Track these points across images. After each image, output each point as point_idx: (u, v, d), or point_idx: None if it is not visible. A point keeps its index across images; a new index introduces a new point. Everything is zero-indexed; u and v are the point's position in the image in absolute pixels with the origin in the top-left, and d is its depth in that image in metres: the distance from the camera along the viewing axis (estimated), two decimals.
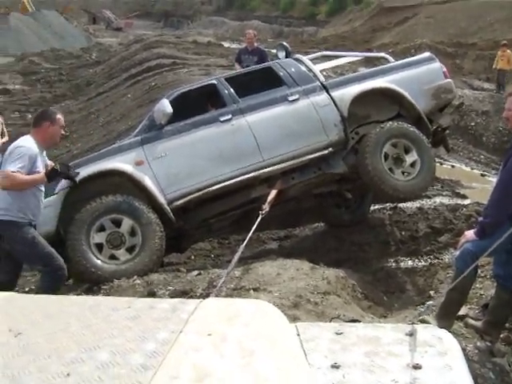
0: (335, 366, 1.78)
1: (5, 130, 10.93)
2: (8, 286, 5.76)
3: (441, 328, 4.33)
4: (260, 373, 1.54)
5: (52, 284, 5.78)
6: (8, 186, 5.47)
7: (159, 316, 2.01)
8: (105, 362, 1.66)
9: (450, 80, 8.50)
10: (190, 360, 1.63)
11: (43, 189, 5.83)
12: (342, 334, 2.00)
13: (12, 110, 21.71)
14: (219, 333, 1.79)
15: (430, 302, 2.91)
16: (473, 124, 16.29)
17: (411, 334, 1.95)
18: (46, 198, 6.41)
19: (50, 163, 6.06)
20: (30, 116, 20.90)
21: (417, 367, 1.74)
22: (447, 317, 4.87)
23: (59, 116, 5.88)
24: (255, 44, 11.69)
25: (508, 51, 19.14)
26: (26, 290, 6.73)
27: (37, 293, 5.68)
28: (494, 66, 19.95)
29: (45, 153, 5.90)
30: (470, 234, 4.74)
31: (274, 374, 1.56)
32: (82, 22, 62.30)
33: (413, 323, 2.03)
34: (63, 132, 6.08)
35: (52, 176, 5.78)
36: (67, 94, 24.49)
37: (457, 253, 4.86)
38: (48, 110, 6.57)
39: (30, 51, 36.10)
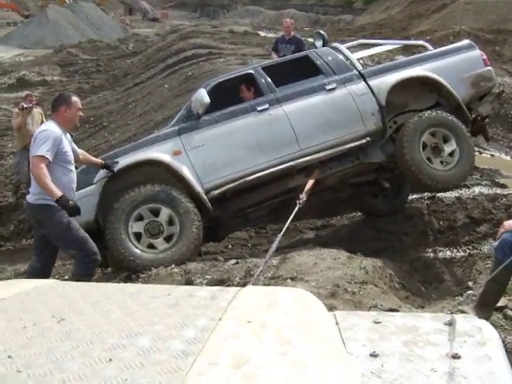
0: (374, 355, 1.78)
1: (44, 120, 11.08)
2: (42, 272, 5.87)
3: (480, 319, 4.32)
4: (298, 360, 1.55)
5: (86, 269, 5.87)
6: (38, 179, 5.59)
7: (198, 303, 2.04)
8: (146, 348, 1.69)
9: (489, 68, 8.37)
10: (229, 347, 1.65)
11: (73, 168, 5.91)
12: (380, 322, 2.00)
13: (50, 100, 21.96)
14: (258, 320, 1.81)
15: (470, 292, 2.89)
16: None
17: (450, 324, 1.94)
18: (84, 187, 6.51)
19: (81, 151, 6.26)
20: None
21: (455, 357, 1.73)
22: (486, 307, 4.83)
23: (75, 99, 5.99)
24: (292, 33, 11.62)
25: None
26: (66, 278, 6.83)
27: (72, 278, 5.78)
28: None
29: (69, 136, 5.99)
30: (509, 224, 4.69)
31: (311, 361, 1.57)
32: (118, 13, 62.81)
33: (452, 313, 2.02)
34: (81, 114, 6.15)
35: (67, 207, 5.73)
36: (104, 85, 24.72)
37: (496, 243, 4.81)
38: (64, 93, 6.70)
39: (67, 43, 36.51)
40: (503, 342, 4.56)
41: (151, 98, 19.71)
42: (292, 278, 5.68)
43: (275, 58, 10.69)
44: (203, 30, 31.70)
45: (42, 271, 5.88)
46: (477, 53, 8.35)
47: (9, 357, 1.68)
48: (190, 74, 19.73)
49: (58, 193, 5.52)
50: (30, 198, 5.74)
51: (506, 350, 4.40)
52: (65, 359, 1.65)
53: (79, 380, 1.53)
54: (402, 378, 1.66)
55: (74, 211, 5.73)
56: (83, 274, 5.72)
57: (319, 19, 57.36)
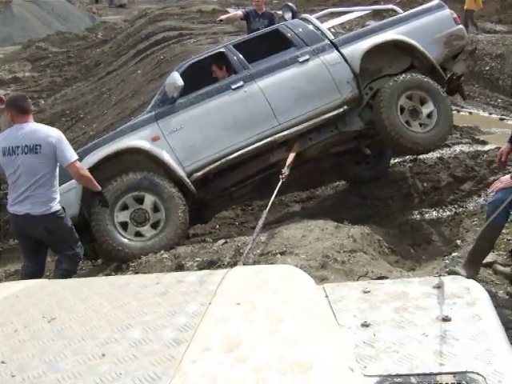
0: (365, 325, 1.79)
1: None
2: (41, 273, 5.87)
3: (469, 276, 4.35)
4: (290, 338, 1.56)
5: (75, 267, 5.90)
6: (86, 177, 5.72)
7: (187, 289, 2.03)
8: (138, 340, 1.69)
9: (461, 26, 8.39)
10: (221, 331, 1.65)
11: None
12: (369, 292, 2.01)
13: None
14: (248, 301, 1.81)
15: (455, 254, 2.92)
16: (487, 68, 16.05)
17: (439, 287, 1.95)
18: (68, 181, 6.48)
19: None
20: (42, 102, 20.98)
21: (446, 319, 1.75)
22: (475, 264, 4.87)
23: None
24: (264, 8, 11.53)
25: None
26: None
27: (59, 277, 5.74)
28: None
29: None
30: (506, 179, 4.70)
31: (303, 338, 1.57)
32: (84, 2, 61.95)
33: (440, 275, 2.04)
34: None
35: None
36: (77, 77, 24.49)
37: (489, 199, 4.81)
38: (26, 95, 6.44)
39: (35, 37, 36.03)
40: (494, 297, 4.63)
41: (125, 85, 19.57)
42: (281, 253, 5.70)
43: (232, 15, 10.77)
44: (171, 12, 31.41)
45: (40, 272, 5.87)
46: (447, 12, 8.34)
47: (2, 362, 1.67)
48: (161, 57, 19.59)
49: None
50: (36, 210, 5.51)
51: (498, 305, 4.46)
52: (58, 359, 1.65)
53: (74, 379, 1.52)
54: (394, 346, 1.67)
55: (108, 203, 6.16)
56: (72, 272, 5.73)
57: None
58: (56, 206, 5.56)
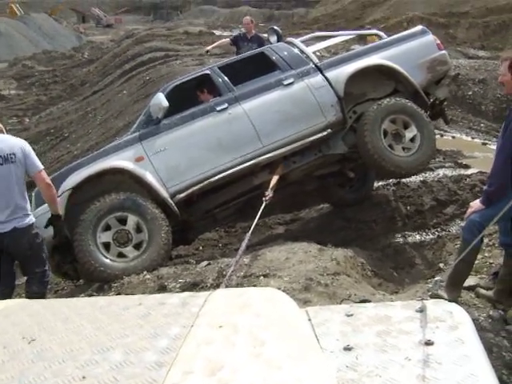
0: (348, 348, 1.78)
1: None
2: (11, 291, 5.70)
3: (451, 299, 4.37)
4: (272, 361, 1.55)
5: (45, 287, 5.74)
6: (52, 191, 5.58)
7: (170, 311, 2.02)
8: (119, 362, 1.67)
9: (444, 52, 8.47)
10: (203, 354, 1.64)
11: None
12: (352, 315, 2.00)
13: (9, 115, 21.74)
14: (230, 324, 1.80)
15: (438, 278, 2.95)
16: (470, 93, 16.22)
17: (421, 311, 1.96)
18: None
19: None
20: (27, 120, 20.93)
21: (429, 343, 1.75)
22: (456, 287, 4.90)
23: None
24: (253, 31, 11.59)
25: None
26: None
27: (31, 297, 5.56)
28: None
29: None
30: (476, 203, 4.75)
31: (286, 361, 1.57)
32: (71, 22, 62.21)
33: (422, 299, 2.04)
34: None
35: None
36: (62, 95, 24.49)
37: (464, 224, 4.87)
38: None
39: (21, 55, 36.07)
40: (477, 320, 4.64)
41: (110, 105, 19.59)
42: (265, 275, 5.69)
43: (224, 44, 10.79)
44: (158, 33, 31.60)
45: (11, 293, 5.70)
46: (430, 38, 8.44)
47: None
48: (147, 78, 19.64)
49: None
50: (22, 222, 5.37)
51: (481, 329, 4.47)
52: (38, 381, 1.63)
53: None
54: (377, 370, 1.66)
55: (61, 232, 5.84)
56: (42, 293, 5.60)
57: (273, 14, 57.53)
58: (33, 219, 5.50)
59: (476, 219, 4.63)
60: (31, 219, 5.47)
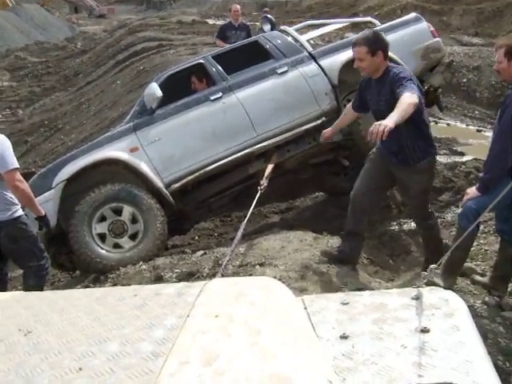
0: (344, 337, 1.79)
1: None
2: (3, 286, 5.67)
3: (447, 286, 4.38)
4: (268, 350, 1.55)
5: (42, 281, 5.62)
6: (22, 193, 5.26)
7: (166, 302, 2.02)
8: (115, 353, 1.67)
9: (438, 39, 8.45)
10: (199, 344, 1.64)
11: None
12: (348, 303, 2.01)
13: (3, 107, 21.67)
14: (226, 314, 1.80)
15: (433, 266, 2.94)
16: (465, 80, 16.22)
17: (417, 298, 1.96)
18: (43, 193, 6.42)
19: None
20: (21, 112, 20.85)
21: (424, 331, 1.75)
22: (452, 274, 4.91)
23: None
24: (240, 19, 11.55)
25: None
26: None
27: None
28: None
29: None
30: (472, 190, 4.76)
31: (282, 350, 1.57)
32: (63, 13, 61.86)
33: (418, 287, 2.04)
34: None
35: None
36: (56, 86, 24.39)
37: (460, 210, 4.88)
38: None
39: (14, 46, 35.86)
40: (473, 307, 4.65)
41: (104, 95, 19.52)
42: (260, 264, 5.69)
43: (222, 46, 10.63)
44: (151, 23, 31.48)
45: (3, 287, 5.65)
46: (424, 25, 8.42)
47: None
48: (141, 68, 19.57)
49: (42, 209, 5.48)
50: (0, 216, 5.25)
51: (476, 315, 4.48)
52: (34, 373, 1.63)
53: None
54: (373, 358, 1.67)
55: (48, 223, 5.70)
56: (39, 287, 5.52)
57: (266, 2, 57.19)
58: (18, 212, 5.36)
59: (472, 206, 4.64)
60: (14, 213, 5.31)
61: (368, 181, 5.78)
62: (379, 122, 4.63)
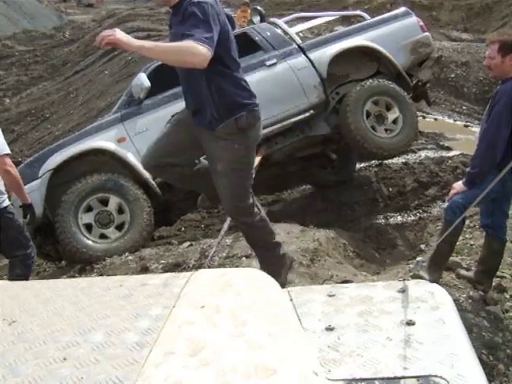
0: (329, 329, 1.79)
1: None
2: None
3: (433, 280, 4.40)
4: (254, 341, 1.55)
5: (28, 270, 5.61)
6: (12, 178, 5.25)
7: (151, 292, 2.01)
8: (100, 343, 1.66)
9: (427, 34, 8.48)
10: (185, 334, 1.63)
11: None
12: (334, 295, 2.01)
13: None
14: (212, 304, 1.79)
15: (420, 258, 2.96)
16: (453, 75, 16.27)
17: (403, 291, 1.96)
18: (30, 182, 6.38)
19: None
20: (8, 101, 20.71)
21: (410, 323, 1.76)
22: (437, 268, 4.93)
23: None
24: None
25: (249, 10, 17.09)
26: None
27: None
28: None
29: None
30: (458, 185, 4.77)
31: (268, 341, 1.57)
32: (52, 1, 61.31)
33: (404, 280, 2.05)
34: None
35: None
36: (44, 76, 24.20)
37: (446, 205, 4.90)
38: None
39: (1, 35, 35.52)
40: (457, 301, 4.68)
41: (92, 85, 19.43)
42: (247, 256, 5.70)
43: None
44: (140, 13, 31.29)
45: None
46: (413, 20, 8.44)
47: None
48: (129, 58, 19.48)
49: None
50: None
51: (461, 309, 4.51)
52: (18, 363, 1.62)
53: (34, 383, 1.50)
54: (358, 349, 1.67)
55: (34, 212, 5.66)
56: (25, 276, 5.52)
57: None
58: (5, 202, 5.33)
59: (458, 200, 4.66)
60: (2, 203, 5.27)
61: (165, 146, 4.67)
62: (113, 30, 3.67)
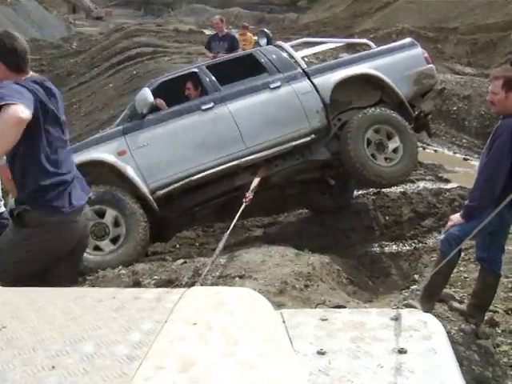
0: (321, 353, 1.78)
1: None
2: None
3: (425, 310, 4.39)
4: (245, 361, 1.54)
5: None
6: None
7: (144, 306, 2.00)
8: (90, 354, 1.65)
9: (431, 65, 8.53)
10: (176, 350, 1.62)
11: None
12: (327, 320, 2.00)
13: None
14: (204, 322, 1.79)
15: (414, 287, 2.95)
16: (455, 108, 16.35)
17: (396, 319, 1.96)
18: None
19: None
20: None
21: (402, 352, 1.75)
22: (430, 299, 4.93)
23: None
24: (225, 30, 11.62)
25: (249, 34, 16.87)
26: None
27: None
28: None
29: None
30: (456, 217, 4.78)
31: (259, 361, 1.56)
32: (61, 12, 61.71)
33: (397, 307, 2.04)
34: None
35: None
36: None
37: (442, 236, 4.90)
38: None
39: None
40: (449, 333, 4.66)
41: (96, 97, 19.48)
42: (240, 277, 5.68)
43: (209, 56, 10.74)
44: (148, 29, 31.49)
45: None
46: (419, 51, 8.49)
47: None
48: (134, 72, 19.57)
49: None
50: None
51: (452, 342, 4.49)
52: (6, 369, 1.61)
53: None
54: (349, 375, 1.66)
55: None
56: None
57: (264, 17, 57.43)
58: (1, 208, 5.34)
59: (455, 233, 4.66)
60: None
61: None
62: None
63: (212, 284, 5.57)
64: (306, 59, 8.95)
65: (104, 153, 6.90)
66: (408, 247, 7.96)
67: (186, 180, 7.03)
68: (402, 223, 8.50)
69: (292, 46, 8.59)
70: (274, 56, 7.96)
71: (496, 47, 23.34)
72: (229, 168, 7.21)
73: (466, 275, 5.93)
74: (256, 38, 11.39)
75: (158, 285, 5.75)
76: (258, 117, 7.40)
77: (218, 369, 1.50)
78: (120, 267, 6.40)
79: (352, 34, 28.60)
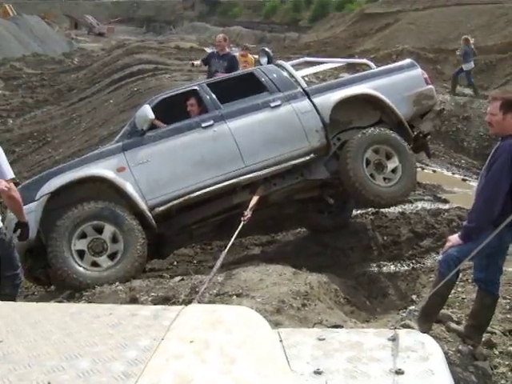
0: (318, 372, 1.77)
1: None
2: None
3: (422, 331, 4.38)
4: (242, 380, 1.54)
5: (15, 291, 5.54)
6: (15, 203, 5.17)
7: (141, 323, 2.00)
8: (86, 370, 1.64)
9: (431, 86, 8.56)
10: (172, 367, 1.62)
11: None
12: (324, 339, 1.99)
13: None
14: (201, 340, 1.78)
15: (412, 307, 2.94)
16: (454, 129, 16.40)
17: (393, 339, 1.95)
18: (26, 204, 6.34)
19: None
20: (11, 122, 20.78)
21: (399, 372, 1.74)
22: (428, 320, 4.91)
23: None
24: (227, 49, 11.67)
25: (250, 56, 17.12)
26: None
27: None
28: None
29: None
30: (454, 238, 4.76)
31: (255, 380, 1.55)
32: (63, 27, 62.08)
33: (395, 328, 2.04)
34: None
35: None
36: (49, 100, 24.34)
37: (440, 257, 4.89)
38: None
39: (11, 56, 35.81)
40: (446, 354, 4.64)
41: (96, 113, 19.53)
42: (238, 295, 5.66)
43: (199, 66, 10.93)
44: (149, 46, 31.69)
45: None
46: (418, 71, 8.52)
47: None
48: (135, 89, 19.64)
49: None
50: None
51: (450, 363, 4.47)
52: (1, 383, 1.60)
53: None
54: None
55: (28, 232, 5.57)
56: (12, 296, 5.44)
57: (265, 37, 57.77)
58: None
59: (453, 253, 4.65)
60: None
61: None
62: None
63: (209, 302, 5.55)
64: (306, 78, 8.98)
65: (103, 169, 6.90)
66: (406, 267, 7.94)
67: (185, 197, 7.02)
68: (401, 243, 8.49)
69: (293, 66, 8.62)
70: (275, 75, 7.99)
71: (495, 69, 23.44)
72: (228, 186, 7.21)
73: (463, 296, 5.91)
74: (257, 56, 11.42)
75: (155, 302, 5.73)
76: (258, 135, 7.40)
77: None
78: (117, 283, 6.38)
79: (352, 54, 28.76)
